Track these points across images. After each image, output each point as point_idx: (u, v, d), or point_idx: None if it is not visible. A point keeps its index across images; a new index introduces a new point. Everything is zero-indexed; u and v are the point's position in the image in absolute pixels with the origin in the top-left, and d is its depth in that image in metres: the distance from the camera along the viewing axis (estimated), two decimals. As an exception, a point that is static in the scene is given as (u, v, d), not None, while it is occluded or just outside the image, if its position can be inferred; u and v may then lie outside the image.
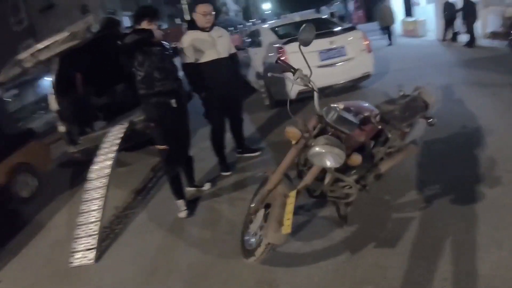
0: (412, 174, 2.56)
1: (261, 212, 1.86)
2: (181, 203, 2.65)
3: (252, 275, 1.91)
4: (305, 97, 4.57)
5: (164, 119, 2.50)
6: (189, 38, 2.88)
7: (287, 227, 1.51)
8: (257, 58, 4.85)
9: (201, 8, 2.82)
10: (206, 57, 2.89)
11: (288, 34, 4.49)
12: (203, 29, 2.90)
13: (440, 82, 4.88)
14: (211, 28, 2.93)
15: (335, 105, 1.64)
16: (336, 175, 1.71)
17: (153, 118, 2.50)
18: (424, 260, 1.75)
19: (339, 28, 4.53)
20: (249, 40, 5.74)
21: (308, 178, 1.68)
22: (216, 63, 2.92)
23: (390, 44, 9.61)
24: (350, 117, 1.61)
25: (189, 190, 2.92)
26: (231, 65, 3.13)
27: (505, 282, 1.53)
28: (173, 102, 2.50)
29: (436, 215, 2.09)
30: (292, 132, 1.65)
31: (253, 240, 1.94)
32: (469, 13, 7.38)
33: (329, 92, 4.62)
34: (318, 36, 4.15)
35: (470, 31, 7.43)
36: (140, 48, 2.34)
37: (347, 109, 1.74)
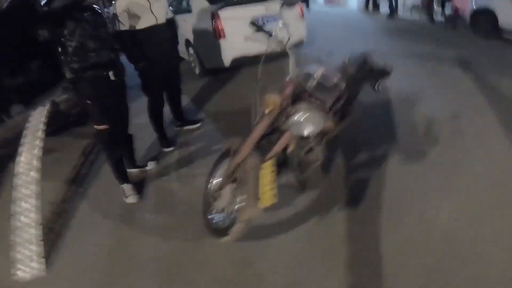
0: (358, 138, 2.80)
1: (229, 188, 1.84)
2: (127, 187, 2.41)
3: (224, 255, 1.88)
4: (238, 65, 4.56)
5: (102, 94, 2.16)
6: (123, 2, 2.46)
7: (269, 199, 1.52)
8: (186, 25, 4.47)
9: None
10: (143, 23, 2.54)
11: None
12: None
13: (364, 48, 5.37)
14: None
15: (312, 72, 1.59)
16: (309, 142, 1.76)
17: (89, 94, 2.13)
18: (388, 213, 1.99)
19: None
20: (175, 5, 5.20)
21: (279, 146, 1.70)
22: (153, 29, 2.59)
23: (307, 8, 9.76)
24: (325, 83, 1.59)
25: (132, 171, 2.67)
26: (169, 31, 2.83)
27: (459, 230, 1.84)
28: (111, 74, 2.17)
29: (388, 173, 2.35)
30: (272, 99, 1.56)
31: (220, 218, 1.91)
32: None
33: (264, 59, 4.62)
34: (253, 2, 4.06)
35: (391, 4, 8.16)
36: (70, 14, 1.94)
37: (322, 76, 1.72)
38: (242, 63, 4.40)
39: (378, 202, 2.11)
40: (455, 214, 1.96)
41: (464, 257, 1.68)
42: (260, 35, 4.14)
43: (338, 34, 6.91)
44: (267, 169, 1.59)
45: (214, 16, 3.82)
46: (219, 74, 4.86)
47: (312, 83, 1.53)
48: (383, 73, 1.85)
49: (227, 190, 1.84)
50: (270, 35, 1.63)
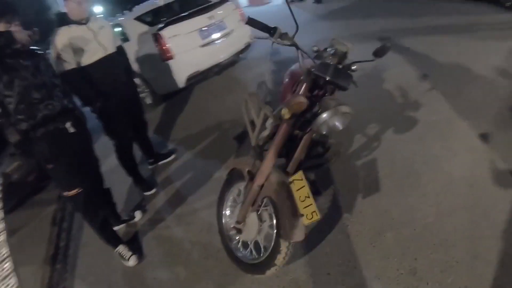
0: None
1: (254, 215, 1.63)
2: (123, 249, 2.05)
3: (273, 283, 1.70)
4: (193, 83, 4.32)
5: (64, 153, 1.77)
6: (64, 38, 2.08)
7: (312, 213, 1.37)
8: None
9: None
10: (91, 57, 2.18)
11: (158, 19, 3.91)
12: (79, 22, 2.15)
13: (314, 37, 5.48)
14: (87, 19, 2.20)
15: (327, 60, 1.42)
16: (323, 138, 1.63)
17: (48, 157, 1.72)
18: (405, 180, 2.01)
19: (213, 1, 4.28)
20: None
21: (301, 152, 1.54)
22: (104, 62, 2.25)
23: None
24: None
25: (118, 229, 2.30)
26: (121, 60, 2.50)
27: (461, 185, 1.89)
28: (69, 126, 1.80)
29: (388, 147, 2.36)
30: (300, 102, 1.32)
31: (250, 251, 1.72)
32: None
33: (218, 71, 4.45)
34: (194, 14, 3.85)
35: None
36: (0, 63, 1.53)
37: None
38: (196, 79, 4.17)
39: (396, 175, 2.10)
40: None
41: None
42: (213, 47, 3.99)
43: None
44: (300, 181, 1.43)
45: (157, 38, 3.52)
46: (173, 98, 4.57)
47: (331, 72, 1.35)
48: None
49: (251, 218, 1.63)
50: (271, 32, 1.45)
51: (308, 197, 1.40)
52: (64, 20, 2.12)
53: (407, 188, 1.98)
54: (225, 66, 4.43)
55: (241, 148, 2.97)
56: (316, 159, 1.76)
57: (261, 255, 1.62)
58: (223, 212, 1.91)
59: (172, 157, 3.14)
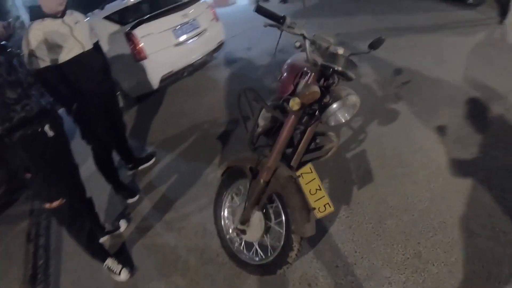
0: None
1: (257, 215, 1.58)
2: (112, 262, 1.89)
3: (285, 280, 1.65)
4: (166, 84, 4.14)
5: (45, 160, 1.60)
6: (38, 33, 1.88)
7: (324, 208, 1.35)
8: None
9: None
10: (68, 54, 1.99)
11: (129, 18, 3.68)
12: (54, 16, 1.94)
13: (285, 34, 5.53)
14: (63, 12, 1.99)
15: (334, 49, 1.37)
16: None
17: (26, 164, 1.53)
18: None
19: (185, 0, 4.14)
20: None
21: (305, 144, 1.52)
22: (82, 59, 2.07)
23: None
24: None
25: (103, 241, 2.12)
26: (99, 57, 2.33)
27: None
28: (48, 129, 1.62)
29: (375, 139, 2.43)
30: (315, 91, 1.26)
31: (255, 252, 1.66)
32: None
33: (192, 71, 4.31)
34: (167, 13, 3.69)
35: None
36: None
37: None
38: (170, 80, 4.01)
39: (388, 165, 2.17)
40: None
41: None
42: (187, 46, 3.85)
43: (244, 29, 6.93)
44: (309, 174, 1.41)
45: (130, 37, 3.33)
46: (145, 100, 4.36)
47: (342, 63, 1.32)
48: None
49: (256, 217, 1.57)
50: (281, 20, 1.40)
51: (320, 189, 1.38)
52: (38, 13, 1.91)
53: (400, 176, 2.05)
54: (198, 66, 4.32)
55: (226, 148, 2.90)
56: (314, 152, 1.75)
57: (269, 254, 1.58)
58: (222, 214, 1.84)
59: (153, 160, 2.99)
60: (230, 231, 1.79)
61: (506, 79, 2.73)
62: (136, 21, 3.40)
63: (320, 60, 1.40)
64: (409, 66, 3.37)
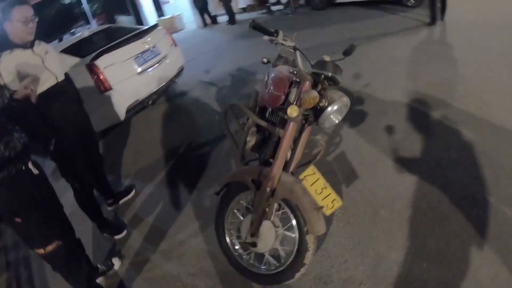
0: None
1: (267, 224, 1.62)
2: None
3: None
4: (132, 114, 4.04)
5: (32, 200, 1.49)
6: (9, 65, 1.75)
7: (332, 204, 1.45)
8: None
9: (21, 12, 1.76)
10: (42, 86, 1.88)
11: (88, 50, 3.57)
12: (24, 46, 1.83)
13: (235, 57, 5.74)
14: (32, 42, 1.89)
15: (322, 59, 1.53)
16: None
17: (14, 208, 1.41)
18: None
19: (144, 27, 4.12)
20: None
21: (302, 147, 1.61)
22: (56, 91, 1.98)
23: None
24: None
25: (100, 282, 1.98)
26: (72, 88, 2.25)
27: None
28: (31, 166, 1.53)
29: (350, 139, 2.59)
30: (315, 96, 1.39)
31: (267, 262, 1.69)
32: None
33: (155, 98, 4.25)
34: (127, 41, 3.64)
35: (229, 10, 8.88)
36: None
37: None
38: (135, 110, 3.92)
39: (367, 162, 2.35)
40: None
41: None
42: (150, 74, 3.82)
43: (198, 53, 7.07)
44: (312, 176, 1.50)
45: (92, 68, 3.22)
46: (110, 133, 4.19)
47: (330, 69, 1.49)
48: None
49: (266, 227, 1.61)
50: (275, 34, 1.51)
51: (325, 187, 1.48)
52: (5, 44, 1.79)
53: (381, 170, 2.24)
54: (161, 92, 4.30)
55: (207, 169, 2.90)
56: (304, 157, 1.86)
57: (282, 261, 1.62)
58: (225, 232, 1.84)
59: (133, 193, 2.87)
60: (237, 247, 1.80)
61: (450, 74, 3.16)
62: (97, 52, 3.31)
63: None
64: (366, 70, 3.73)
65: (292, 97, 1.60)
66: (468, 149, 2.23)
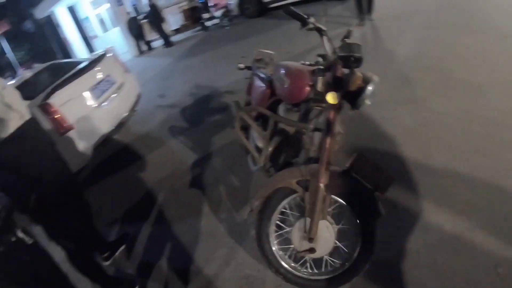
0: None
1: (324, 223, 1.49)
2: None
3: None
4: (99, 153, 3.57)
5: (34, 274, 1.18)
6: None
7: None
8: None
9: None
10: (7, 128, 1.49)
11: (35, 91, 3.05)
12: None
13: (185, 77, 5.57)
14: None
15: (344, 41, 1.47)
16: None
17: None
18: None
19: (92, 58, 3.70)
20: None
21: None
22: (24, 132, 1.60)
23: None
24: None
25: None
26: (40, 127, 1.86)
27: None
28: (22, 235, 1.22)
29: None
30: (359, 77, 1.36)
31: (327, 263, 1.58)
32: (157, 19, 8.57)
33: (119, 130, 3.82)
34: (79, 74, 3.21)
35: (162, 33, 8.65)
36: None
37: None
38: (102, 146, 3.48)
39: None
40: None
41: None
42: (110, 105, 3.46)
43: (142, 82, 6.71)
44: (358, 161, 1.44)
45: (46, 108, 2.76)
46: (78, 177, 3.65)
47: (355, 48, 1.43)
48: None
49: (323, 227, 1.49)
50: (305, 19, 1.42)
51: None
52: None
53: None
54: (124, 123, 3.91)
55: (207, 191, 2.67)
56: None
57: (346, 256, 1.52)
58: (273, 248, 1.66)
59: (128, 240, 2.48)
60: (291, 261, 1.64)
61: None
62: (47, 91, 2.86)
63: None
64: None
65: (319, 85, 1.52)
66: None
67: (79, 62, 3.63)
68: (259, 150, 1.93)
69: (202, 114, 4.25)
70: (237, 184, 2.65)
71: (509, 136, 2.24)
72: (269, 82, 2.00)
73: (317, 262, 1.60)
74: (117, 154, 3.98)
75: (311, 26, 1.44)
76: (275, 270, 1.66)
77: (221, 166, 2.95)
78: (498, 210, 1.76)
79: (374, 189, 1.41)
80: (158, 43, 9.57)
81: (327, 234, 1.50)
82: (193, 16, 9.26)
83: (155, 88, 5.99)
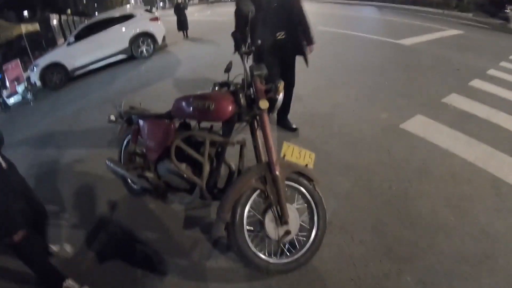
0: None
1: (289, 207, 1.81)
2: (71, 283, 1.85)
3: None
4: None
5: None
6: None
7: (309, 158, 1.99)
8: None
9: None
10: None
11: None
12: None
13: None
14: None
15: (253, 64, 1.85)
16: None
17: None
18: None
19: None
20: None
21: (270, 136, 1.82)
22: None
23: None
24: None
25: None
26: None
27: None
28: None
29: None
30: (265, 103, 1.75)
31: (299, 238, 1.90)
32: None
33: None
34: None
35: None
36: None
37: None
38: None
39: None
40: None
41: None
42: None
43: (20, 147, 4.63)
44: (289, 148, 2.00)
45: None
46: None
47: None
48: None
49: (291, 210, 1.83)
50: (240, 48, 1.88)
51: (300, 151, 1.98)
52: None
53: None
54: None
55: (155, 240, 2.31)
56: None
57: (309, 228, 1.89)
58: (254, 250, 1.82)
59: None
60: (272, 254, 1.87)
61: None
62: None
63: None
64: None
65: (242, 100, 1.80)
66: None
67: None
68: (195, 173, 1.97)
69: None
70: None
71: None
72: (169, 117, 2.14)
73: (292, 243, 1.88)
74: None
75: (242, 51, 1.86)
76: (266, 270, 1.82)
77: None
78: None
79: (306, 164, 1.91)
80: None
81: (293, 214, 1.81)
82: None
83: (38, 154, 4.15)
